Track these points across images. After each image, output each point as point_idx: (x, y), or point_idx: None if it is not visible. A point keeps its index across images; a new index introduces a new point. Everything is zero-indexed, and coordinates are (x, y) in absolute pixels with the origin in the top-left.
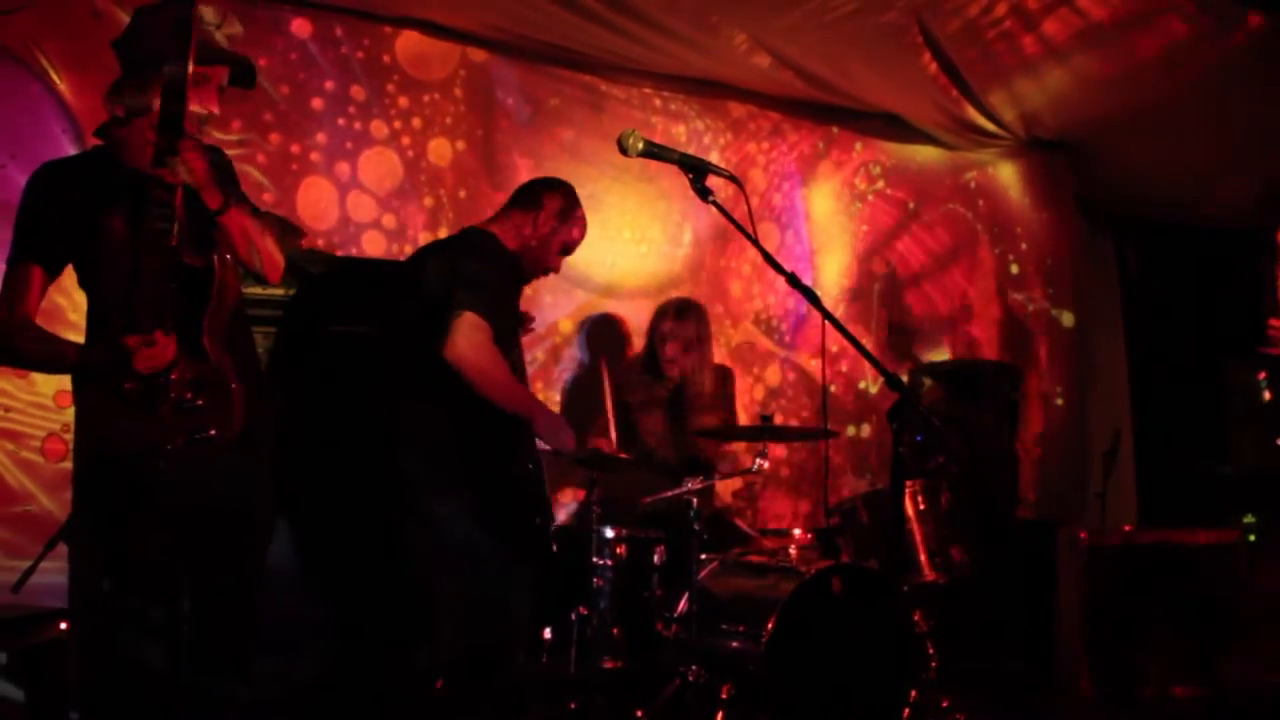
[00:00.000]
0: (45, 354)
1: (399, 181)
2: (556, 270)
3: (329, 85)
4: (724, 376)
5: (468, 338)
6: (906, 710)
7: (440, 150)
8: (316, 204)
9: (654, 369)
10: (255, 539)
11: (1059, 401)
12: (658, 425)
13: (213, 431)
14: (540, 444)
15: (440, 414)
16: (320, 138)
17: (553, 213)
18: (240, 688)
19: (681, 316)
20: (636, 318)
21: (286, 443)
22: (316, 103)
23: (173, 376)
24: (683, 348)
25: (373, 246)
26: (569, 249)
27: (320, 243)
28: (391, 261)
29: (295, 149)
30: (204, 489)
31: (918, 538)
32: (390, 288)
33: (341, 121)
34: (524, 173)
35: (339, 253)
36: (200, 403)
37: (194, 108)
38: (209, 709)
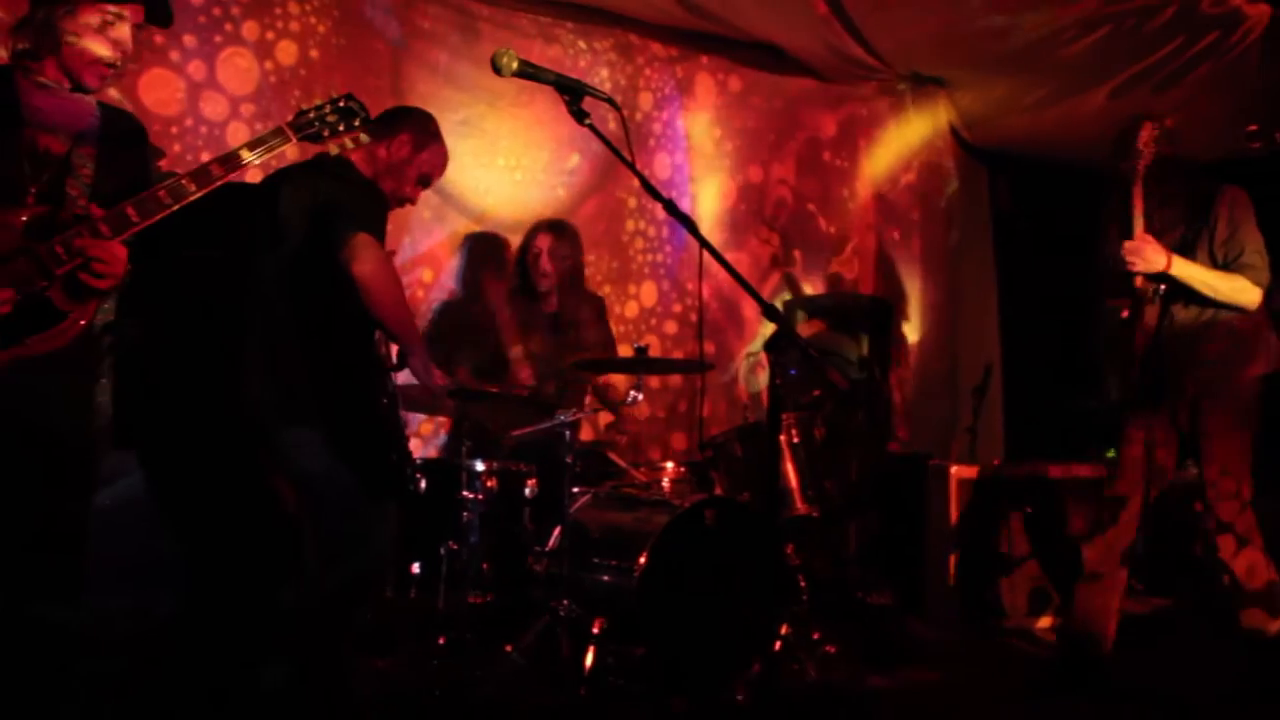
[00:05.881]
0: None
1: (257, 88)
2: (413, 201)
3: None
4: (598, 306)
5: (372, 257)
6: (778, 643)
7: (299, 64)
8: (160, 97)
9: (529, 291)
10: (73, 462)
11: (931, 336)
12: (535, 351)
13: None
14: (404, 377)
15: (293, 342)
16: (180, 36)
17: (406, 141)
18: (74, 615)
19: (557, 233)
20: (512, 247)
21: (138, 373)
22: None
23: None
24: (556, 263)
25: (237, 139)
26: (426, 181)
27: (177, 148)
28: (241, 184)
29: (159, 39)
30: (13, 414)
31: (791, 471)
32: (239, 209)
33: (203, 19)
34: (391, 96)
35: (204, 153)
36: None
37: (103, 52)
38: (49, 638)
